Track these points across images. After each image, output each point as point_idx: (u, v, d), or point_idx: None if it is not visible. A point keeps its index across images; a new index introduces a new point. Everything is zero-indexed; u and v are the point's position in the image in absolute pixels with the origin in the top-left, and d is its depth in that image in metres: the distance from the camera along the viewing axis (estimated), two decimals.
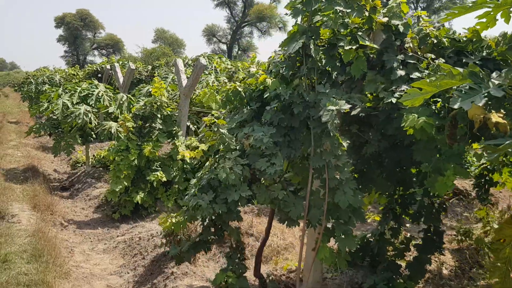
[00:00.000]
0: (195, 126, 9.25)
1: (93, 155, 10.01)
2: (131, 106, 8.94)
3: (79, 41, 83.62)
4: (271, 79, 3.38)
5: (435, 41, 3.49)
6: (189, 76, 7.38)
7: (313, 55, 3.17)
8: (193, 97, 8.25)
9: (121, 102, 8.84)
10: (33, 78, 18.95)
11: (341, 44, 3.21)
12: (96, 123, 8.31)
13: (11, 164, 9.57)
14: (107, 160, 9.91)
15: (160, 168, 6.97)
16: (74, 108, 8.12)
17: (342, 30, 3.23)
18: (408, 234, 4.89)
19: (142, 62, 17.28)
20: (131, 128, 6.85)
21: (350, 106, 3.02)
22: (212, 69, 10.16)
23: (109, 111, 8.73)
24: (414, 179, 4.02)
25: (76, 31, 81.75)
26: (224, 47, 73.33)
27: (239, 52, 72.86)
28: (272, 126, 3.26)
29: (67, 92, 8.61)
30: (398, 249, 4.43)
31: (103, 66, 14.19)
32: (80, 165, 10.35)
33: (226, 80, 8.35)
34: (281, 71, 3.44)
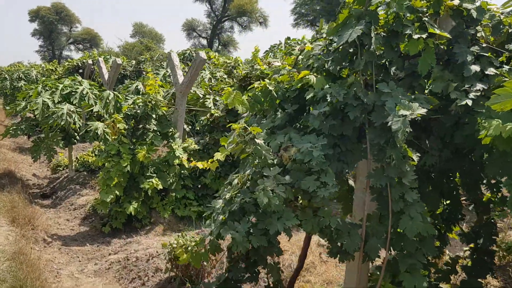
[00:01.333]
0: (189, 127, 8.52)
1: (76, 158, 9.19)
2: (118, 104, 8.18)
3: (54, 35, 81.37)
4: (315, 76, 2.71)
5: (511, 30, 2.86)
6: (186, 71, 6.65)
7: (373, 46, 2.51)
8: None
9: (107, 100, 8.04)
10: (7, 74, 17.81)
11: (408, 31, 2.56)
12: (80, 124, 7.49)
13: None
14: (91, 164, 9.12)
15: (155, 175, 6.24)
16: (55, 108, 7.29)
17: (408, 15, 2.58)
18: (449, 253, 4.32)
19: (125, 57, 16.36)
20: (123, 131, 6.10)
21: (425, 110, 2.36)
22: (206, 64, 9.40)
23: (94, 110, 7.92)
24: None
25: (51, 25, 79.52)
26: (204, 42, 72.43)
27: (220, 47, 72.04)
28: (321, 135, 2.59)
29: (47, 90, 7.76)
30: (442, 271, 3.85)
31: (84, 61, 13.24)
32: (62, 169, 9.50)
33: (225, 76, 7.64)
34: (326, 66, 2.78)
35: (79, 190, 7.66)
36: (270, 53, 10.29)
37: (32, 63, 20.00)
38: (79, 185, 8.00)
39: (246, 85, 6.44)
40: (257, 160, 2.56)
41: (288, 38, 9.87)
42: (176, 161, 6.23)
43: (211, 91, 7.91)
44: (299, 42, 9.32)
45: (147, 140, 6.19)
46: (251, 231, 2.49)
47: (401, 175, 2.53)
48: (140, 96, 7.27)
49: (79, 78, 8.20)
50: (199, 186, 6.68)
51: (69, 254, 5.44)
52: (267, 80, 3.04)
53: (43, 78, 15.52)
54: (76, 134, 8.27)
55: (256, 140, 2.55)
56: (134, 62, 13.14)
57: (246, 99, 3.00)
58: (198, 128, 10.12)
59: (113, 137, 7.85)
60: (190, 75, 6.27)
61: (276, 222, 2.43)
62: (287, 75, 3.04)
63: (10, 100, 17.26)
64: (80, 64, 13.32)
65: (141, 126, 6.22)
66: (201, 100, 7.70)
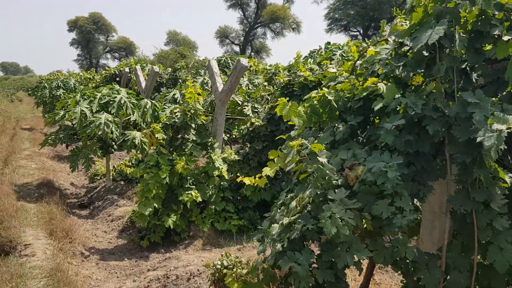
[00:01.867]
0: (227, 135, 8.28)
1: (113, 167, 9.10)
2: (156, 113, 8.03)
3: (92, 44, 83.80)
4: (385, 84, 2.37)
5: None
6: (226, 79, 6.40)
7: (457, 49, 2.16)
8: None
9: (145, 109, 7.91)
10: (46, 82, 18.15)
11: (496, 32, 2.19)
12: (118, 134, 7.36)
13: (25, 178, 8.69)
14: (128, 173, 9.00)
15: (194, 186, 6.00)
16: (93, 117, 7.20)
17: (496, 13, 2.21)
18: None
19: (161, 65, 16.36)
20: (161, 141, 5.90)
21: None
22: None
23: (131, 119, 7.79)
24: None
25: (89, 34, 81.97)
26: (237, 48, 72.98)
27: (252, 53, 72.27)
28: (394, 151, 2.25)
29: (85, 99, 7.69)
30: None
31: (121, 69, 13.27)
32: (99, 178, 9.44)
33: (266, 83, 7.36)
34: (397, 72, 2.44)
35: (116, 201, 7.52)
36: (310, 59, 9.96)
37: (71, 72, 20.34)
38: (117, 195, 7.87)
39: (289, 93, 6.14)
40: (320, 181, 2.24)
41: (328, 43, 9.53)
42: (216, 173, 5.98)
43: (249, 98, 7.65)
44: (340, 47, 8.95)
45: (186, 150, 5.97)
46: (317, 263, 2.17)
47: (489, 198, 2.16)
48: (177, 106, 7.10)
49: (117, 86, 8.10)
50: (239, 198, 6.41)
51: (107, 269, 5.25)
52: (325, 89, 2.72)
53: (81, 87, 15.71)
54: (113, 143, 8.16)
55: (319, 158, 2.23)
56: (170, 70, 13.05)
57: (303, 111, 2.68)
58: (234, 136, 9.89)
59: (150, 147, 7.71)
60: (230, 82, 6.01)
61: (345, 254, 2.11)
62: (347, 83, 2.71)
63: (50, 109, 17.56)
64: (117, 72, 13.36)
65: (179, 136, 6.00)
66: (239, 108, 7.45)
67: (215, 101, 6.34)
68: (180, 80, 12.70)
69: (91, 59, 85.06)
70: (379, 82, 2.40)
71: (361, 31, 62.76)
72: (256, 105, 7.41)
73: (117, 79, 13.21)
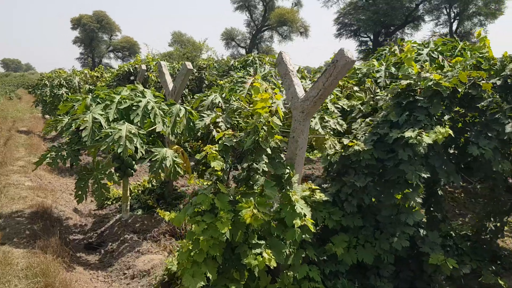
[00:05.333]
0: None
1: (129, 189, 7.06)
2: (191, 123, 6.01)
3: (95, 43, 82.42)
4: None
5: None
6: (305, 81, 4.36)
7: None
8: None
9: (177, 118, 5.88)
10: (48, 80, 16.11)
11: None
12: (143, 152, 5.31)
13: (14, 203, 6.62)
14: (148, 199, 6.97)
15: (263, 242, 3.95)
16: (110, 128, 5.16)
17: None
18: None
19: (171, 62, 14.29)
20: (219, 172, 3.86)
21: None
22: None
23: (157, 130, 5.74)
24: None
25: (92, 33, 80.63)
26: (243, 51, 71.61)
27: None
28: None
29: (98, 102, 5.65)
30: None
31: (136, 66, 11.22)
32: (110, 203, 7.40)
33: (356, 88, 5.33)
34: None
35: (137, 244, 5.47)
36: (376, 60, 7.95)
37: (75, 69, 18.30)
38: (137, 233, 5.83)
39: (409, 103, 4.11)
40: None
41: (402, 39, 7.61)
42: (298, 222, 3.92)
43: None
44: (425, 44, 6.95)
45: (255, 187, 3.92)
46: None
47: None
48: (219, 113, 5.12)
49: (140, 87, 6.06)
50: (325, 258, 4.35)
51: None
52: None
53: (87, 86, 13.67)
54: (133, 162, 6.11)
55: None
56: (194, 69, 11.01)
57: None
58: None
59: (184, 170, 5.67)
60: (322, 85, 3.96)
61: None
62: None
63: (50, 109, 15.53)
64: (131, 70, 11.28)
65: (246, 165, 3.94)
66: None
67: (293, 112, 4.30)
68: (206, 82, 10.67)
69: (93, 58, 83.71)
70: None
71: (371, 37, 61.37)
72: (325, 117, 5.39)
73: (131, 77, 11.15)
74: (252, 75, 6.35)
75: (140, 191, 7.36)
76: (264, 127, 3.85)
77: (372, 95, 5.06)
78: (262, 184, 3.90)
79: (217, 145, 3.95)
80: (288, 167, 4.16)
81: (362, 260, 4.19)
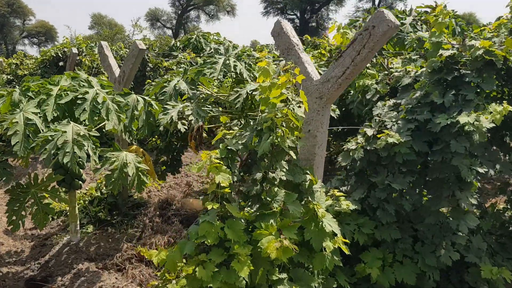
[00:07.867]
0: None
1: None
2: (150, 118, 4.82)
3: (6, 29, 75.75)
4: None
5: None
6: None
7: None
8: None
9: (134, 111, 4.65)
10: None
11: None
12: (96, 161, 4.03)
13: None
14: (98, 211, 5.71)
15: (285, 276, 2.93)
16: (51, 131, 3.84)
17: None
18: None
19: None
20: (227, 189, 2.76)
21: None
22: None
23: (106, 128, 4.44)
24: None
25: (3, 18, 73.87)
26: (169, 32, 69.21)
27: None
28: None
29: (31, 97, 4.26)
30: None
31: (65, 49, 9.47)
32: (51, 218, 5.99)
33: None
34: None
35: (96, 276, 4.23)
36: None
37: None
38: (94, 261, 4.57)
39: (453, 79, 3.23)
40: None
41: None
42: (329, 245, 2.93)
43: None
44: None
45: (275, 205, 2.86)
46: None
47: None
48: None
49: (83, 74, 4.70)
50: (356, 281, 3.43)
51: None
52: None
53: (4, 75, 11.66)
54: (81, 171, 4.80)
55: None
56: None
57: None
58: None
59: (151, 180, 4.52)
60: (351, 60, 2.96)
61: None
62: None
63: None
64: (60, 55, 9.51)
65: (259, 175, 2.86)
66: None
67: (308, 99, 3.27)
68: (150, 65, 9.26)
69: (6, 45, 77.03)
70: None
71: (298, 15, 61.93)
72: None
73: (60, 63, 9.44)
74: (223, 55, 5.19)
75: (87, 202, 6.03)
76: (285, 122, 2.79)
77: (386, 72, 4.15)
78: (283, 200, 2.86)
79: (217, 151, 2.82)
80: (308, 172, 3.15)
81: (403, 280, 3.32)
